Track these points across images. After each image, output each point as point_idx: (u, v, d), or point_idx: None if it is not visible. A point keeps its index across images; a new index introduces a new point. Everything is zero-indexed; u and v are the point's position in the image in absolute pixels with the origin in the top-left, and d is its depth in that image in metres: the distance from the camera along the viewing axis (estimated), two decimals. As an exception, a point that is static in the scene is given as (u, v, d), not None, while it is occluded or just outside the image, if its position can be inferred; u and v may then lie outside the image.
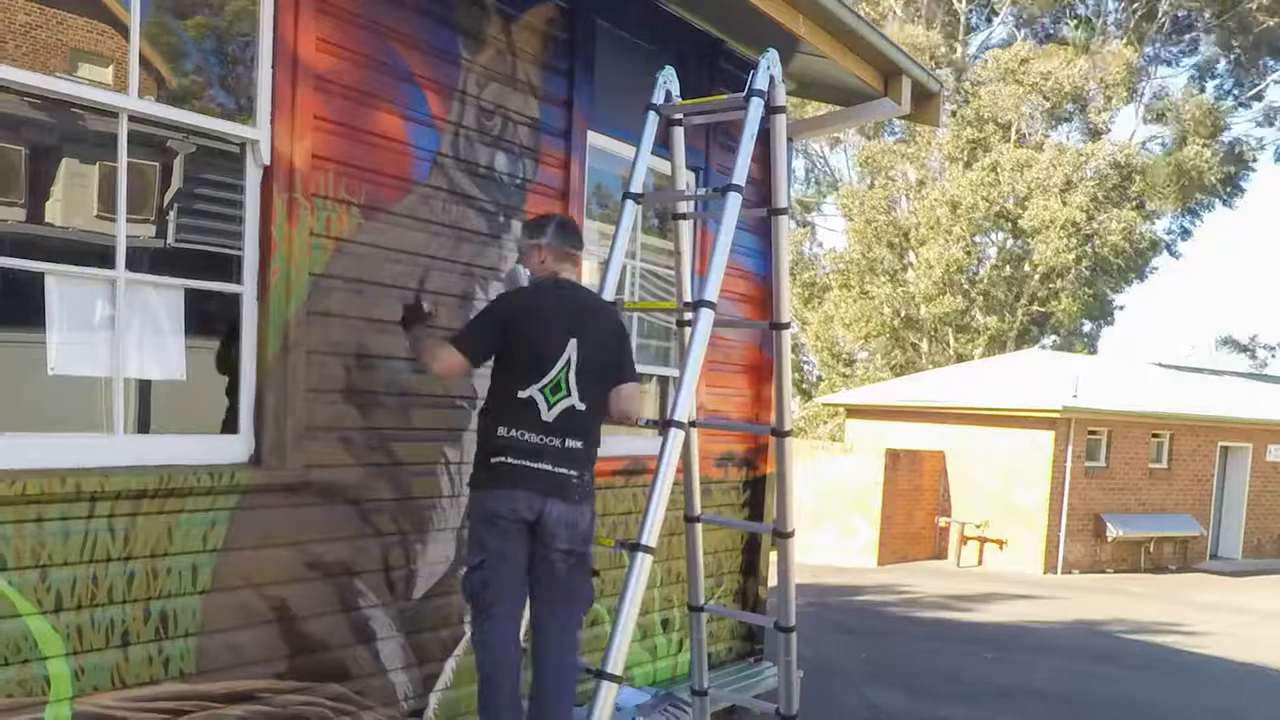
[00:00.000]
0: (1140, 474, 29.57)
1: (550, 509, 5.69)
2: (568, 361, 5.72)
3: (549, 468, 5.67)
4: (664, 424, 6.03)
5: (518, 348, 5.73)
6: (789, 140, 10.26)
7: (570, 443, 5.74)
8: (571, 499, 5.76)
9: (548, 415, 5.67)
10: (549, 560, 5.81)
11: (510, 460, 5.64)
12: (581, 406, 5.78)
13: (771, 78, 6.49)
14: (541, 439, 5.67)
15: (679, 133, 7.24)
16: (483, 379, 6.18)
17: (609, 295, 6.78)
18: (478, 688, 5.98)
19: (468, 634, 6.93)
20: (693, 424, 6.89)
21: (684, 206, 7.51)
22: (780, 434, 7.14)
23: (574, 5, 7.72)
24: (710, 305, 6.04)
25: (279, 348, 5.80)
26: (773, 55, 6.53)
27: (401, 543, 6.67)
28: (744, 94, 6.46)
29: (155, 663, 5.35)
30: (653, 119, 6.95)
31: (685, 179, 7.40)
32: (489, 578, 5.76)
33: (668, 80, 6.99)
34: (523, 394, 5.65)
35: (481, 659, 5.92)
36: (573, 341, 5.75)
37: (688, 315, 6.71)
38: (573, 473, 5.77)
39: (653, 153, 8.08)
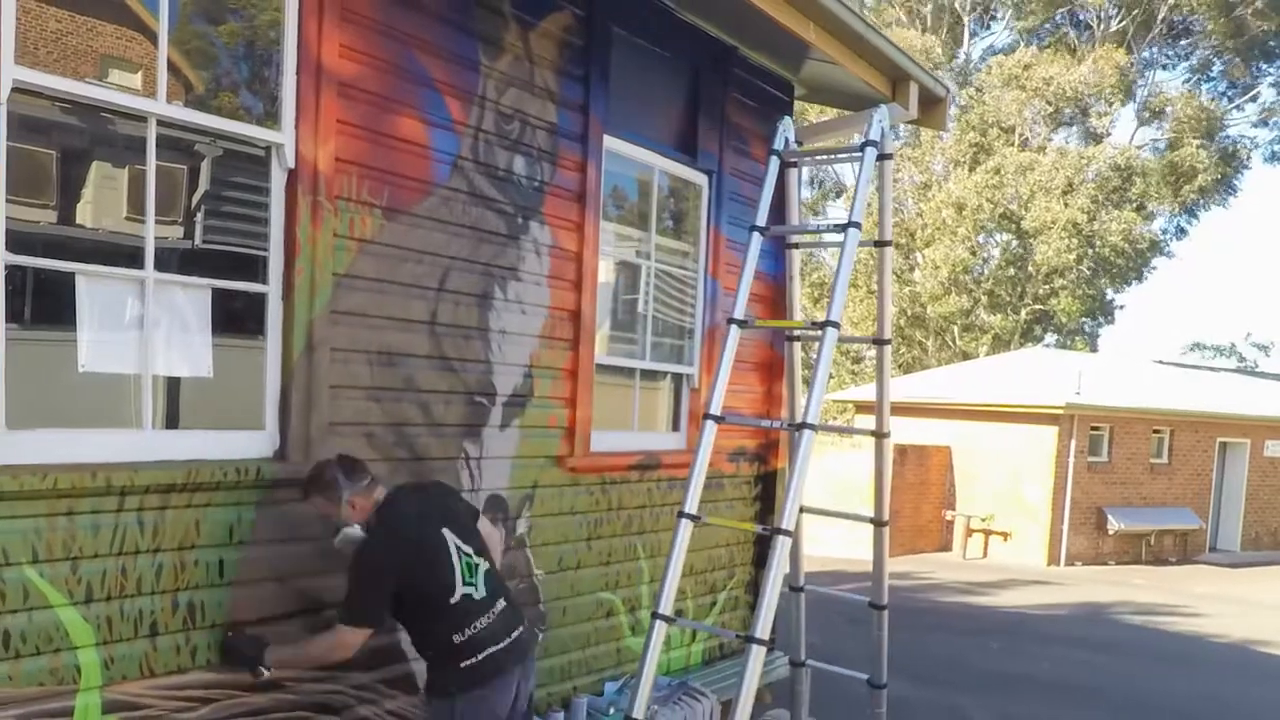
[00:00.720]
0: (1141, 469, 29.53)
1: (525, 676, 5.85)
2: (456, 548, 5.59)
3: (509, 640, 5.65)
4: (797, 427, 6.35)
5: (420, 581, 5.48)
6: (798, 143, 10.31)
7: (499, 604, 5.70)
8: (533, 651, 6.05)
9: (479, 594, 5.58)
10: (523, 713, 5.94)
11: (481, 655, 5.49)
12: (485, 564, 5.74)
13: (883, 129, 6.92)
14: (488, 618, 5.58)
15: (794, 174, 7.55)
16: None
17: (739, 314, 6.94)
18: None
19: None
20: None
21: (793, 238, 7.95)
22: (880, 435, 7.73)
23: (590, 12, 7.70)
24: (835, 325, 6.34)
25: (303, 346, 5.80)
26: (884, 110, 7.07)
27: (422, 535, 6.62)
28: (860, 144, 6.84)
29: (183, 652, 5.36)
30: (774, 163, 7.18)
31: (796, 214, 7.72)
32: None
33: (786, 129, 7.31)
34: (454, 600, 5.48)
35: None
36: (445, 531, 5.61)
37: (800, 332, 7.76)
38: (524, 626, 5.86)
39: (670, 157, 8.14)
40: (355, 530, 5.52)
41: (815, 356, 6.51)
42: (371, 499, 5.57)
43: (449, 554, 5.54)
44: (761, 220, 7.08)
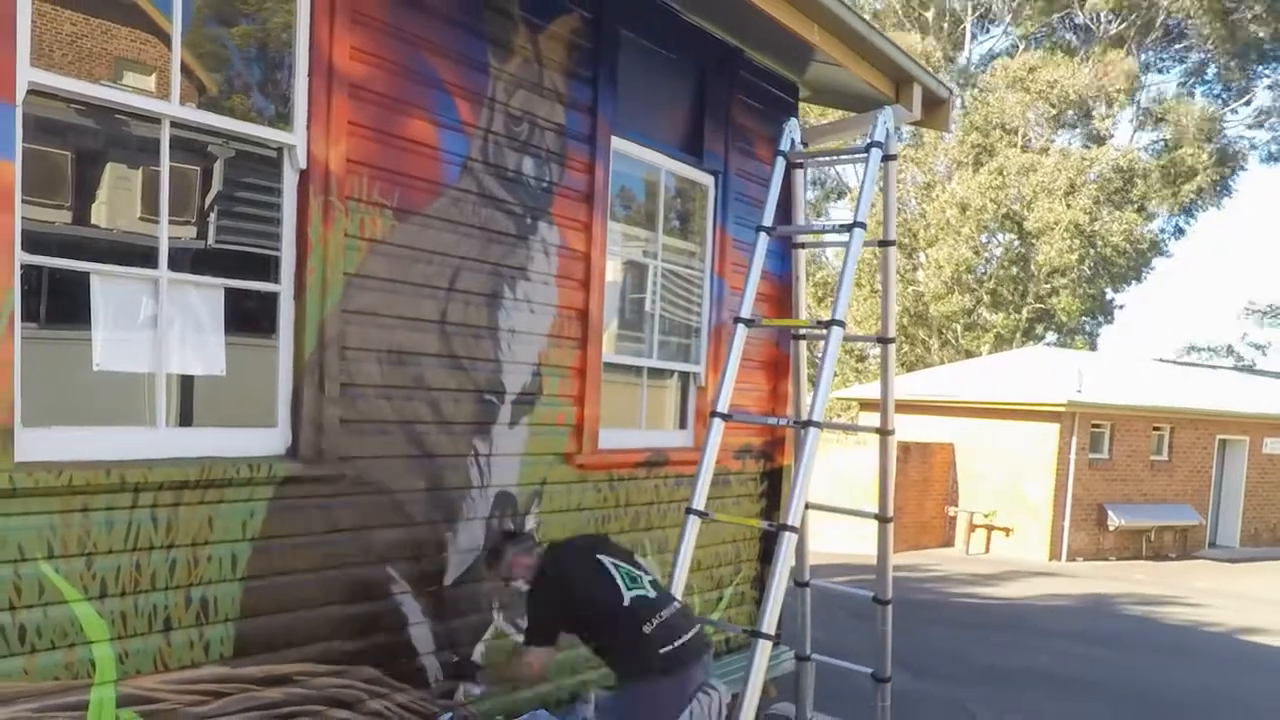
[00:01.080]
0: (1141, 466, 29.46)
1: (703, 671, 5.95)
2: (613, 564, 5.95)
3: (687, 636, 5.79)
4: (803, 424, 6.43)
5: (588, 600, 5.85)
6: (804, 145, 10.29)
7: (674, 603, 5.98)
8: (708, 652, 6.17)
9: (650, 596, 5.84)
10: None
11: (675, 643, 5.69)
12: (647, 576, 6.02)
13: (887, 130, 7.07)
14: (669, 612, 5.81)
15: (799, 175, 7.64)
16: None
17: (746, 313, 7.05)
18: None
19: (495, 621, 6.99)
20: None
21: (801, 239, 8.13)
22: (884, 432, 7.86)
23: (598, 15, 7.68)
24: (840, 324, 6.52)
25: (315, 345, 5.79)
26: (888, 112, 7.21)
27: (433, 531, 6.66)
28: (865, 145, 7.06)
29: (196, 647, 5.36)
30: (780, 164, 7.33)
31: (802, 214, 7.77)
32: None
33: (792, 131, 7.45)
34: (626, 604, 5.73)
35: None
36: (599, 556, 6.01)
37: (805, 331, 7.96)
38: (699, 628, 6.00)
39: (677, 158, 8.13)
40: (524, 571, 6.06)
41: (820, 355, 6.58)
42: (528, 562, 6.10)
43: (606, 571, 5.89)
44: (768, 220, 7.16)
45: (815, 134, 11.04)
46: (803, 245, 7.96)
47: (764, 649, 6.01)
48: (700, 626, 6.00)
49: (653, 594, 5.88)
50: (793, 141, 7.41)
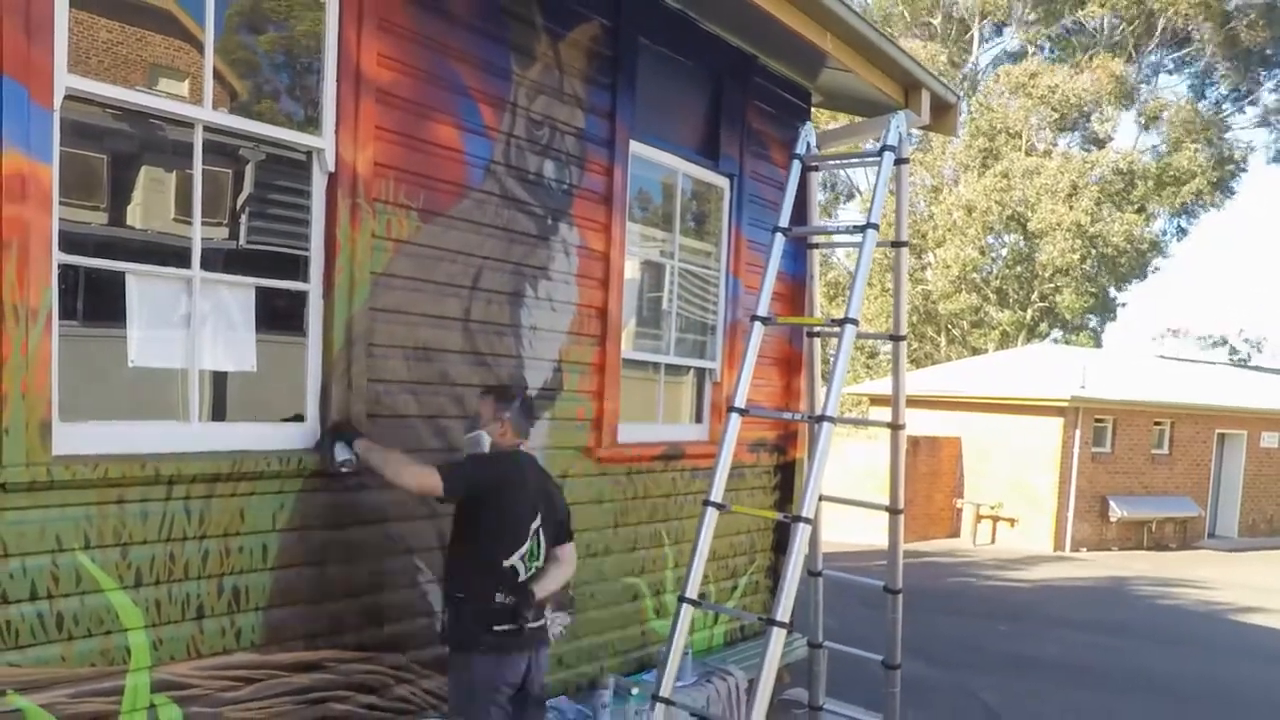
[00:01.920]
0: (1143, 459, 29.37)
1: (538, 662, 5.79)
2: (537, 530, 5.67)
3: (533, 624, 5.64)
4: (817, 419, 6.39)
5: (498, 517, 5.55)
6: (817, 148, 10.26)
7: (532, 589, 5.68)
8: (548, 641, 5.97)
9: (524, 577, 5.58)
10: (536, 700, 5.87)
11: (510, 626, 5.48)
12: (542, 564, 5.75)
13: (900, 135, 7.02)
14: (522, 600, 5.55)
15: (814, 178, 7.58)
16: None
17: (763, 311, 6.92)
18: None
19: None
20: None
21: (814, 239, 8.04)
22: (895, 427, 7.76)
23: (617, 23, 7.67)
24: (854, 322, 6.44)
25: (343, 342, 5.79)
26: (901, 116, 7.15)
27: (457, 522, 6.62)
28: (878, 149, 7.03)
29: (228, 634, 5.36)
30: (796, 167, 7.26)
31: (817, 215, 7.70)
32: None
33: (808, 135, 7.38)
34: (507, 562, 5.50)
35: None
36: (539, 510, 5.71)
37: (819, 329, 7.83)
38: (543, 620, 5.84)
39: (693, 161, 8.11)
40: (483, 440, 5.72)
41: (834, 352, 6.55)
42: (513, 438, 5.75)
43: (527, 526, 5.61)
44: (784, 222, 7.12)
45: (827, 138, 11.00)
46: (816, 246, 7.93)
47: (779, 636, 5.97)
48: (545, 622, 5.86)
49: (525, 579, 5.56)
50: (808, 145, 7.37)
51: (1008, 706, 11.07)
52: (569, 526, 6.07)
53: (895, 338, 7.44)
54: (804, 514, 6.14)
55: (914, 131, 14.15)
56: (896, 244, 7.33)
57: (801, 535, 6.05)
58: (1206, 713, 11.43)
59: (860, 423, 30.01)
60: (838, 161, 7.82)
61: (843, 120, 12.50)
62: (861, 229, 6.73)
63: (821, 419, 6.31)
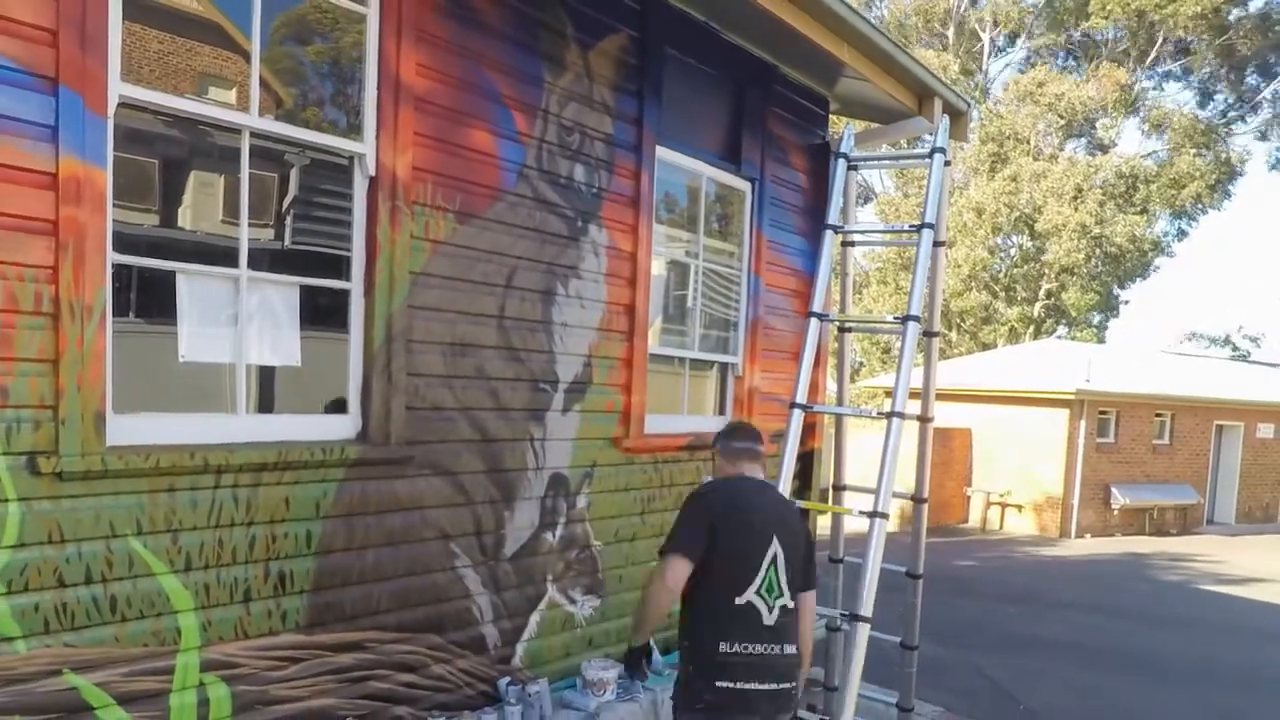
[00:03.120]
0: (1145, 449, 29.28)
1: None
2: (774, 558, 4.69)
3: (775, 686, 4.64)
4: (889, 415, 6.34)
5: (727, 550, 4.63)
6: (836, 155, 10.22)
7: (788, 649, 4.73)
8: (790, 711, 4.80)
9: (769, 620, 4.64)
10: None
11: (739, 685, 4.56)
12: (792, 605, 4.78)
13: (947, 138, 7.13)
14: (766, 648, 4.62)
15: (853, 177, 7.46)
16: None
17: (817, 306, 6.92)
18: None
19: (549, 592, 6.96)
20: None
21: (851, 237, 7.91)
22: (924, 420, 7.62)
23: (644, 34, 7.63)
24: (916, 319, 6.46)
25: (383, 338, 5.79)
26: (946, 120, 7.35)
27: (492, 509, 6.63)
28: (929, 151, 6.99)
29: (274, 616, 5.35)
30: (842, 165, 7.26)
31: (855, 213, 7.61)
32: None
33: (850, 134, 7.39)
34: (740, 600, 4.60)
35: None
36: (775, 538, 4.73)
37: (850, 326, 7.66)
38: (794, 686, 4.79)
39: (717, 166, 8.07)
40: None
41: (900, 349, 6.58)
42: (729, 470, 5.03)
43: (763, 555, 4.68)
44: (832, 219, 7.21)
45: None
46: (853, 243, 7.80)
47: (864, 630, 5.94)
48: (793, 686, 4.74)
49: (772, 620, 4.64)
50: (852, 144, 7.38)
51: (1015, 683, 11.01)
52: (813, 572, 5.11)
53: (930, 334, 7.40)
54: (880, 509, 6.22)
55: (925, 136, 14.11)
56: (937, 244, 7.15)
57: (879, 530, 6.13)
58: (1199, 689, 11.36)
59: (911, 418, 29.89)
60: (886, 161, 7.66)
61: (856, 127, 12.45)
62: (918, 229, 6.73)
63: (892, 415, 6.34)
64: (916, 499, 7.62)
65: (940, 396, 25.96)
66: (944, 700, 9.71)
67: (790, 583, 4.73)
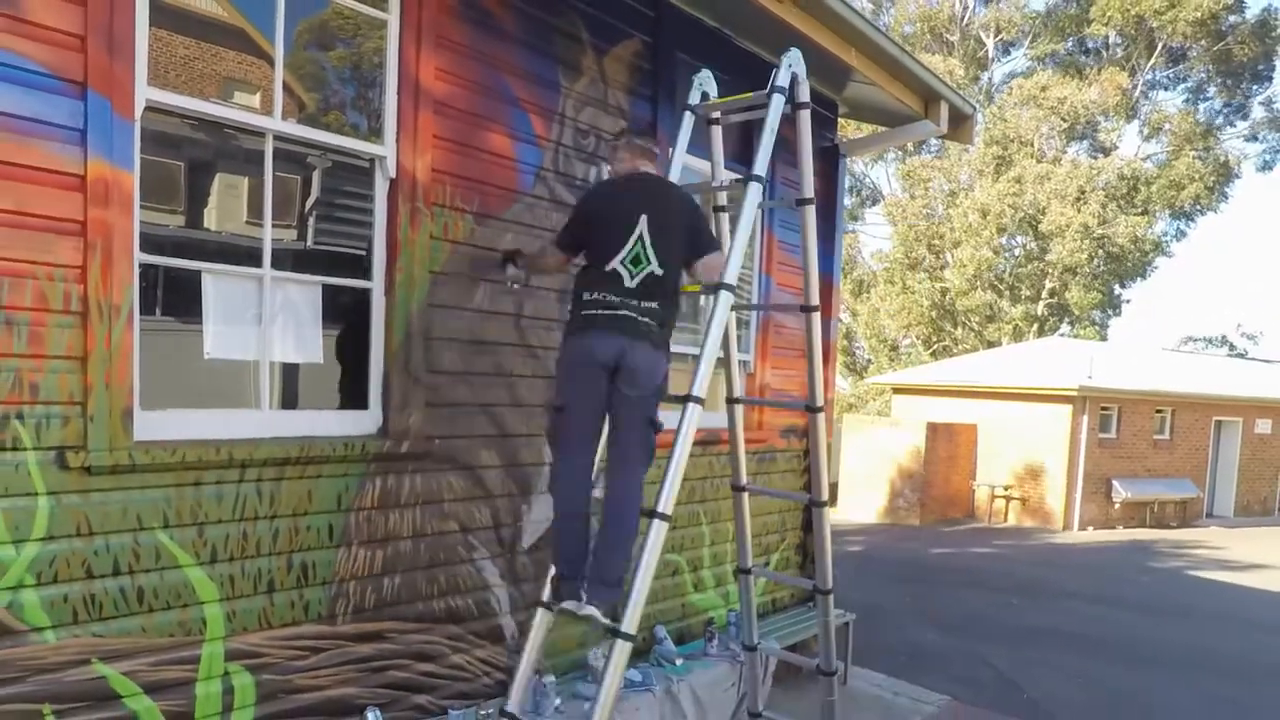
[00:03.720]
0: (1146, 444, 29.17)
1: (631, 351, 5.16)
2: (640, 234, 5.27)
3: (632, 315, 5.20)
4: (684, 399, 5.30)
5: (597, 229, 5.40)
6: (842, 156, 10.17)
7: (647, 303, 5.26)
8: (653, 342, 5.26)
9: (630, 283, 5.24)
10: (624, 398, 5.25)
11: (597, 312, 5.22)
12: (660, 272, 5.30)
13: (794, 75, 5.87)
14: (623, 299, 5.22)
15: (717, 131, 6.61)
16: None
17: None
18: (551, 524, 5.63)
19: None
20: (733, 400, 6.81)
21: (721, 199, 6.74)
22: (812, 409, 6.61)
23: (656, 40, 7.62)
24: (730, 288, 5.39)
25: (403, 335, 5.78)
26: (795, 54, 5.91)
27: (510, 503, 6.62)
28: (766, 91, 5.80)
29: (297, 607, 5.35)
30: (688, 118, 6.42)
31: (721, 174, 6.71)
32: (566, 420, 5.35)
33: (703, 82, 6.41)
34: (607, 268, 5.26)
35: (554, 494, 5.51)
36: (643, 216, 5.29)
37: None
38: (653, 322, 5.27)
39: (728, 168, 8.02)
40: (603, 172, 6.17)
41: (708, 321, 6.25)
42: (629, 162, 5.71)
43: (628, 232, 5.29)
44: (674, 177, 6.26)
45: (855, 146, 10.95)
46: (724, 209, 6.64)
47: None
48: (645, 325, 5.24)
49: (632, 284, 5.25)
50: (704, 94, 6.42)
51: (1018, 672, 10.99)
52: (705, 237, 5.66)
53: (807, 308, 6.44)
54: (660, 510, 5.78)
55: (933, 140, 14.07)
56: (801, 202, 6.26)
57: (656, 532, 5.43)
58: (1197, 677, 11.33)
59: (696, 400, 29.82)
60: (738, 115, 6.11)
61: (867, 130, 12.42)
62: (744, 181, 5.71)
63: (688, 399, 5.32)
64: (814, 502, 6.78)
65: (947, 393, 26.06)
66: (950, 689, 9.69)
67: (660, 253, 5.32)
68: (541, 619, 5.52)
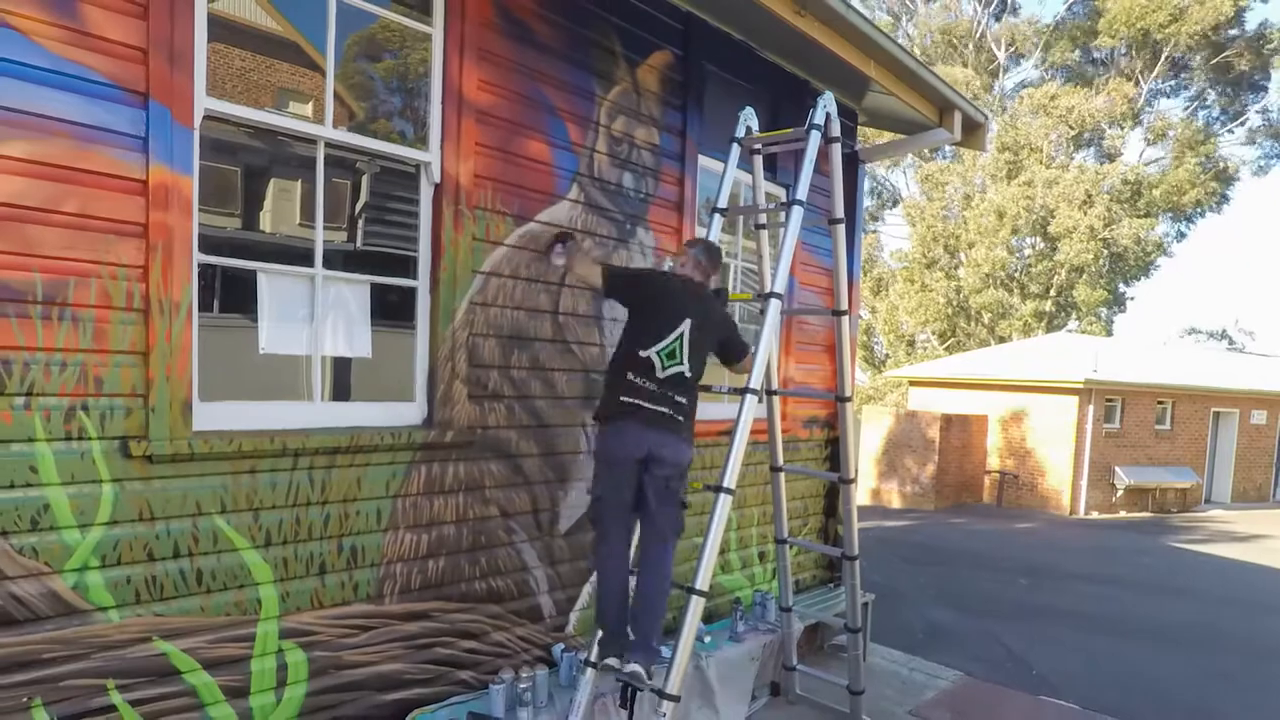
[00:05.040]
0: (1148, 434, 29.05)
1: (662, 445, 5.46)
2: (681, 334, 5.58)
3: (664, 410, 5.48)
4: (741, 391, 5.82)
5: (646, 309, 5.66)
6: (861, 162, 10.11)
7: (679, 397, 5.55)
8: (680, 435, 5.56)
9: (661, 374, 5.50)
10: (655, 482, 5.52)
11: (634, 401, 5.46)
12: (689, 375, 5.60)
13: (827, 115, 6.46)
14: (658, 391, 5.49)
15: (758, 160, 7.05)
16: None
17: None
18: (595, 597, 5.91)
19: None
20: (772, 392, 6.92)
21: (762, 219, 7.33)
22: (841, 399, 7.06)
23: (687, 52, 7.55)
24: (779, 296, 5.98)
25: (447, 331, 5.75)
26: (828, 96, 6.49)
27: (547, 489, 6.57)
28: (805, 128, 6.39)
29: (347, 588, 5.31)
30: (735, 149, 6.90)
31: (761, 197, 7.14)
32: (604, 509, 5.62)
33: (748, 118, 6.96)
34: (643, 354, 5.52)
35: (597, 570, 5.76)
36: (688, 320, 5.60)
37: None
38: (681, 416, 5.56)
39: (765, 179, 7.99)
40: (666, 265, 6.40)
41: (762, 323, 6.27)
42: (690, 270, 5.93)
43: (672, 329, 5.59)
44: (723, 202, 6.86)
45: (874, 153, 10.85)
46: (763, 226, 7.30)
47: (696, 603, 5.75)
48: (674, 416, 5.55)
49: (664, 375, 5.54)
50: (748, 128, 7.01)
51: (1029, 648, 10.91)
52: (735, 344, 6.11)
53: (838, 312, 6.93)
54: (725, 485, 5.85)
55: (947, 146, 13.99)
56: (833, 221, 6.74)
57: (721, 508, 5.81)
58: (1196, 652, 11.23)
59: (756, 392, 29.75)
60: (777, 146, 6.96)
61: (886, 137, 12.36)
62: (787, 205, 6.23)
63: (746, 391, 5.90)
64: (843, 480, 7.23)
65: (961, 385, 26.04)
66: (963, 665, 9.61)
67: (695, 359, 5.64)
68: (589, 676, 5.75)
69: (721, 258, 6.17)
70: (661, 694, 5.30)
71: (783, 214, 6.26)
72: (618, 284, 5.81)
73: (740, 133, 6.88)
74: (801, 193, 6.22)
